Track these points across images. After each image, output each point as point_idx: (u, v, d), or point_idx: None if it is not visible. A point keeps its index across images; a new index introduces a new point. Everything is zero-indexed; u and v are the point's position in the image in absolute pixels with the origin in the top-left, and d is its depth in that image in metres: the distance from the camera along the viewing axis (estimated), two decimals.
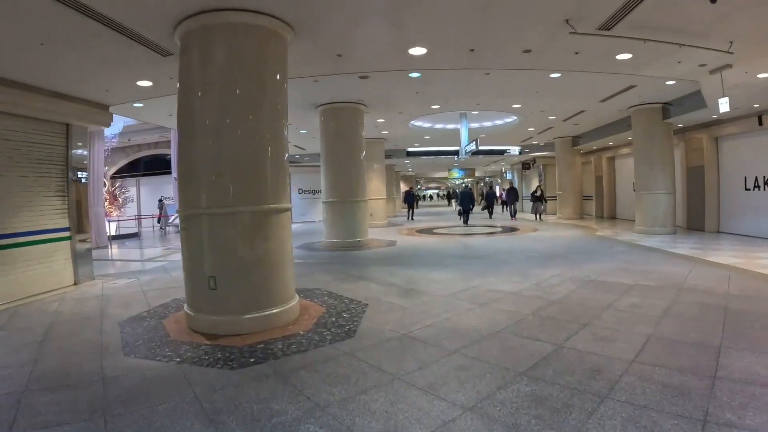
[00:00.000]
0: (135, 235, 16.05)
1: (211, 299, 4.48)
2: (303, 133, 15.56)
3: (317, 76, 7.98)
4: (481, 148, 15.21)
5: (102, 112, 7.88)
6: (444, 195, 52.12)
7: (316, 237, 13.07)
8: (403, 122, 14.54)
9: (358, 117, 11.46)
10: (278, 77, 4.94)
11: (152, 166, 23.93)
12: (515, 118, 14.80)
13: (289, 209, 4.91)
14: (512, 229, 15.16)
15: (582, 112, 13.35)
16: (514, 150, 22.72)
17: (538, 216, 18.96)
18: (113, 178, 24.07)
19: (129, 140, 21.90)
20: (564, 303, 5.18)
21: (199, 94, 4.56)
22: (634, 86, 10.04)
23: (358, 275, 7.17)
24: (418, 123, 15.70)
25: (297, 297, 5.01)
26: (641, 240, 10.74)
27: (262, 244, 4.53)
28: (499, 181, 41.83)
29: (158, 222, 18.07)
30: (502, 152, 23.17)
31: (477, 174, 41.25)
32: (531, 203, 19.84)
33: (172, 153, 18.67)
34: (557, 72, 8.28)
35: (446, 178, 55.90)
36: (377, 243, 11.69)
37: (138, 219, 18.40)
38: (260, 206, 4.53)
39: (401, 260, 8.80)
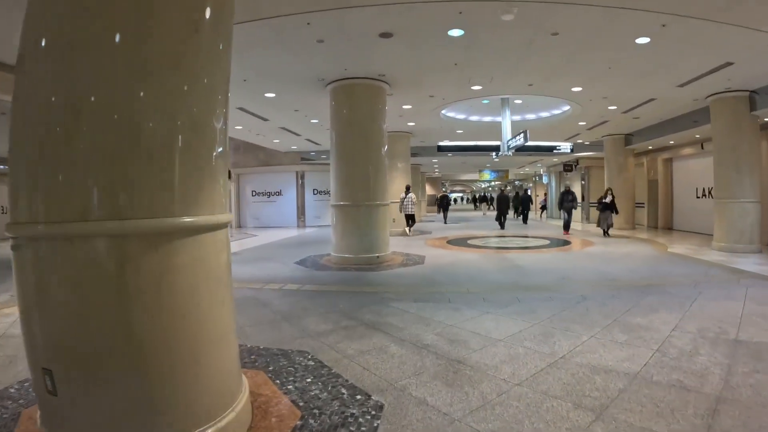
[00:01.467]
0: None
1: (51, 410, 2.12)
2: (315, 123, 13.23)
3: (312, 12, 5.51)
4: (528, 143, 12.54)
5: None
6: (471, 199, 49.30)
7: (324, 248, 10.70)
8: (433, 111, 12.03)
9: (378, 98, 9.01)
10: None
11: None
12: (568, 107, 12.11)
13: None
14: (563, 242, 12.47)
15: (651, 100, 10.67)
16: (565, 147, 19.53)
17: (606, 230, 13.60)
18: None
19: None
20: (738, 401, 2.70)
21: None
22: (730, 64, 7.55)
23: (372, 322, 4.69)
24: (450, 113, 13.18)
25: (244, 390, 2.59)
26: (733, 261, 8.24)
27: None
28: (530, 185, 38.89)
29: None
30: (551, 149, 19.74)
31: (509, 177, 38.28)
32: (598, 213, 14.29)
33: None
34: (651, 30, 5.81)
35: (474, 181, 52.97)
36: (400, 259, 9.21)
37: None
38: None
39: (434, 290, 6.29)
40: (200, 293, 2.22)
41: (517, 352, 3.71)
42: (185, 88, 2.18)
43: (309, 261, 9.09)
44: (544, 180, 31.33)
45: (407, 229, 14.75)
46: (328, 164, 9.51)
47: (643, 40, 6.45)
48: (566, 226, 15.19)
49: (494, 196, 36.27)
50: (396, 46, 6.73)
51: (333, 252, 8.98)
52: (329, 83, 8.79)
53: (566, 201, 15.15)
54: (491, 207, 36.26)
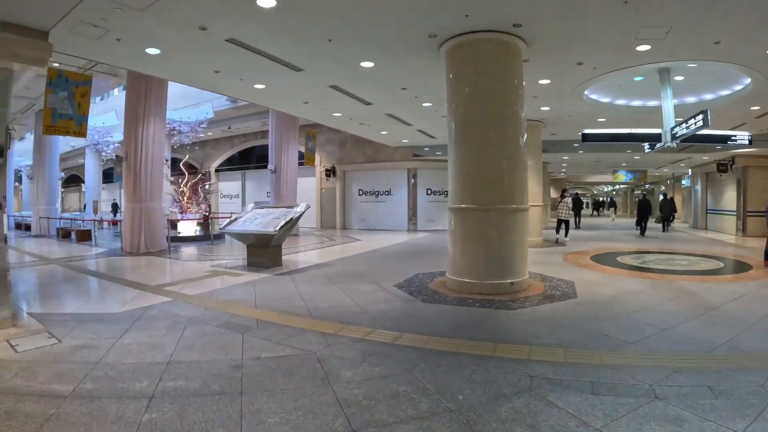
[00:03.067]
0: (220, 238, 13.33)
1: None
2: (427, 109, 10.94)
3: None
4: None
5: None
6: (592, 203, 43.23)
7: (437, 262, 8.36)
8: (576, 89, 9.11)
9: (514, 62, 6.37)
10: None
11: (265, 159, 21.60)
12: (744, 84, 8.44)
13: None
14: (741, 265, 8.67)
15: None
16: (742, 137, 14.59)
17: None
18: (218, 171, 22.74)
19: (229, 128, 19.83)
20: None
21: None
22: None
23: None
24: (593, 95, 10.00)
25: None
26: None
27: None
28: (662, 188, 32.18)
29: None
30: (724, 139, 15.12)
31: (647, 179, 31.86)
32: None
33: (270, 141, 15.76)
34: None
35: (598, 184, 46.22)
36: (541, 287, 6.44)
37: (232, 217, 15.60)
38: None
39: (614, 361, 3.50)
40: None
41: None
42: None
43: (415, 284, 6.79)
44: (684, 183, 25.27)
45: (560, 235, 13.82)
46: (444, 161, 7.15)
47: None
48: None
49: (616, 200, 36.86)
50: None
51: (449, 273, 6.54)
52: (444, 41, 6.40)
53: None
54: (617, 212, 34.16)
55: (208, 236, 13.10)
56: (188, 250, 11.03)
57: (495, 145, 6.18)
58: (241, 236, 8.64)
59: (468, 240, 6.25)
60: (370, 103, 10.71)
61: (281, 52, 7.05)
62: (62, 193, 32.28)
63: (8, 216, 20.14)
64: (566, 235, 13.94)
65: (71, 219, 15.54)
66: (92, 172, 21.37)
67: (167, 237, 11.12)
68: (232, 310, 5.20)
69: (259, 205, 9.70)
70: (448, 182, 6.63)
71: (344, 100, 10.30)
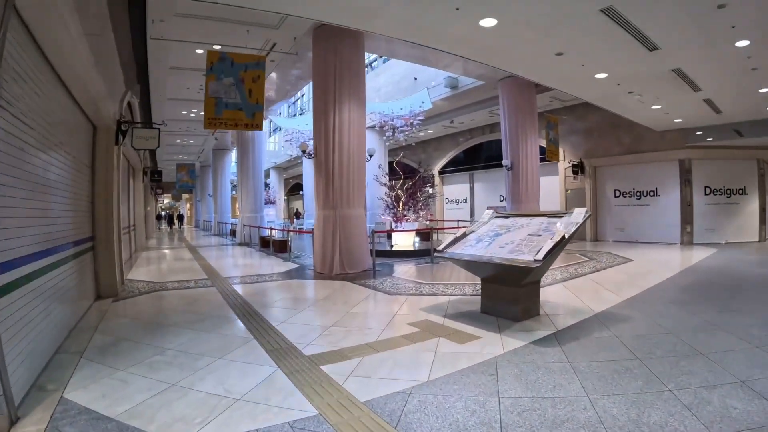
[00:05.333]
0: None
1: None
2: (738, 53, 5.81)
3: None
4: None
5: None
6: None
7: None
8: None
9: None
10: None
11: (494, 157, 18.12)
12: None
13: None
14: None
15: None
16: None
17: None
18: (442, 173, 19.89)
19: (451, 122, 16.89)
20: None
21: None
22: None
23: None
24: None
25: None
26: None
27: None
28: None
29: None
30: None
31: None
32: None
33: (503, 131, 12.16)
34: None
35: None
36: None
37: (458, 229, 12.30)
38: None
39: None
40: None
41: None
42: None
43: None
44: None
45: None
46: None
47: None
48: None
49: None
50: None
51: None
52: None
53: None
54: None
55: (428, 251, 10.11)
56: (398, 273, 8.19)
57: None
58: (475, 266, 5.02)
59: None
60: (656, 48, 6.24)
61: None
62: (286, 200, 35.74)
63: (221, 222, 21.89)
64: None
65: (267, 228, 14.27)
66: (310, 177, 21.44)
67: (371, 251, 8.58)
68: None
69: (498, 212, 6.06)
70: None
71: (616, 45, 6.21)
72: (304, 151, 8.99)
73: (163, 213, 42.07)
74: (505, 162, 12.05)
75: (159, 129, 7.12)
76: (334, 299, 6.08)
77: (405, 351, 3.82)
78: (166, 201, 45.66)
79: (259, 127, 7.77)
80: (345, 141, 8.18)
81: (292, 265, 9.57)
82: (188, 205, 45.57)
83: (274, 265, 9.85)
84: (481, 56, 7.34)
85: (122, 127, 6.76)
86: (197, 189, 30.91)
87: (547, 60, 7.12)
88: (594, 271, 7.93)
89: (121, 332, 4.54)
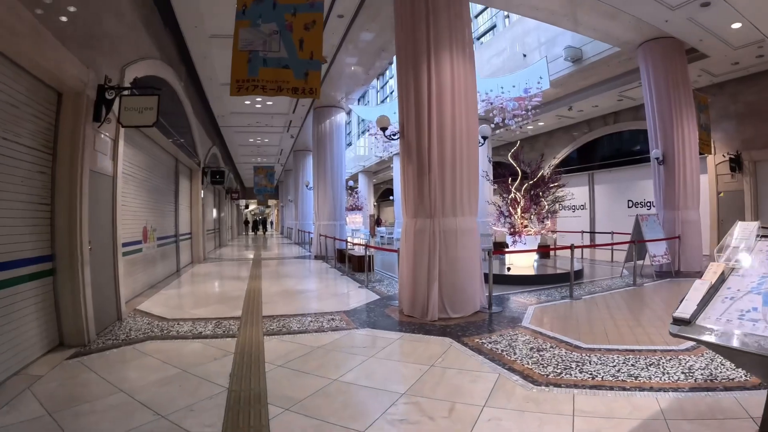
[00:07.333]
0: (576, 277, 6.68)
1: None
2: None
3: None
4: None
5: None
6: None
7: None
8: None
9: None
10: None
11: (620, 153, 14.31)
12: None
13: None
14: None
15: None
16: None
17: None
18: (557, 172, 15.82)
19: (570, 109, 13.13)
20: None
21: None
22: None
23: None
24: None
25: None
26: None
27: None
28: None
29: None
30: None
31: None
32: None
33: (648, 114, 8.48)
34: None
35: None
36: None
37: (589, 245, 8.31)
38: None
39: None
40: None
41: None
42: None
43: None
44: None
45: None
46: None
47: None
48: None
49: None
50: None
51: None
52: None
53: None
54: None
55: (561, 276, 6.92)
56: (530, 320, 4.88)
57: None
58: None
59: None
60: None
61: None
62: (375, 206, 33.19)
63: (301, 231, 19.66)
64: None
65: (344, 240, 11.75)
66: (399, 177, 18.66)
67: (487, 280, 5.56)
68: None
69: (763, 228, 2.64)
70: None
71: None
72: (384, 129, 6.14)
73: (252, 219, 42.27)
74: (654, 153, 8.46)
75: (159, 96, 4.75)
76: (430, 393, 3.13)
77: None
78: (252, 206, 45.95)
79: (315, 93, 5.09)
80: (447, 110, 5.27)
81: (368, 296, 6.81)
82: (276, 211, 45.51)
83: (343, 295, 7.18)
84: None
85: (106, 95, 4.47)
86: (282, 193, 29.83)
87: None
88: None
89: None
